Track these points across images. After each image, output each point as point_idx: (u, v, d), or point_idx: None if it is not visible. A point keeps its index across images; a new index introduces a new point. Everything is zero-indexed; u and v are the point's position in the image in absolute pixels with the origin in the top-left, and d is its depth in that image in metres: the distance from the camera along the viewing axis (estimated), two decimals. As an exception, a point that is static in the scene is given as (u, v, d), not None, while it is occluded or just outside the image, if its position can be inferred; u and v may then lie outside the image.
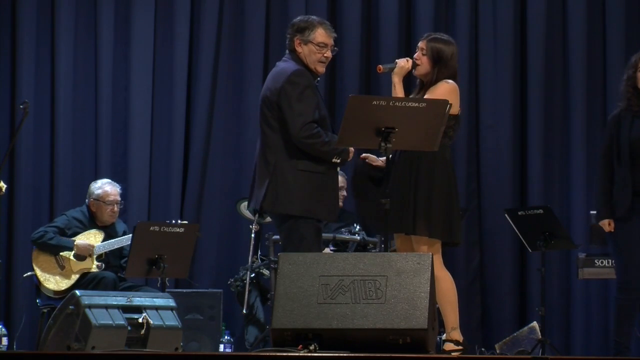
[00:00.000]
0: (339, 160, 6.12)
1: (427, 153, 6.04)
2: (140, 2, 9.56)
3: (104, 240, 8.08)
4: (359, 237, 8.46)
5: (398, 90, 6.13)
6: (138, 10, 9.55)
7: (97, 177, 9.07)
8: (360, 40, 9.56)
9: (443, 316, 6.12)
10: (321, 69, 6.23)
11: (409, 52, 9.44)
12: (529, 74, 9.47)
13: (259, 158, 6.18)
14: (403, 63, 6.16)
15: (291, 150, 6.07)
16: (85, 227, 8.12)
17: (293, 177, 6.05)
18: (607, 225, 6.69)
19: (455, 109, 6.10)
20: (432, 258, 5.33)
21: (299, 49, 6.18)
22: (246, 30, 9.60)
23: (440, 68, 6.16)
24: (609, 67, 9.40)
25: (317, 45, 6.17)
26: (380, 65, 6.20)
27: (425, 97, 6.10)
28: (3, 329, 8.26)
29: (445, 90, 6.11)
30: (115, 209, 8.22)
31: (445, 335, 6.15)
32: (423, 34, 9.18)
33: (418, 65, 6.20)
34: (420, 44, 6.24)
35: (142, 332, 6.39)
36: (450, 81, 6.16)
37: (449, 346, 6.08)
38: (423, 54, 6.20)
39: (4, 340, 8.22)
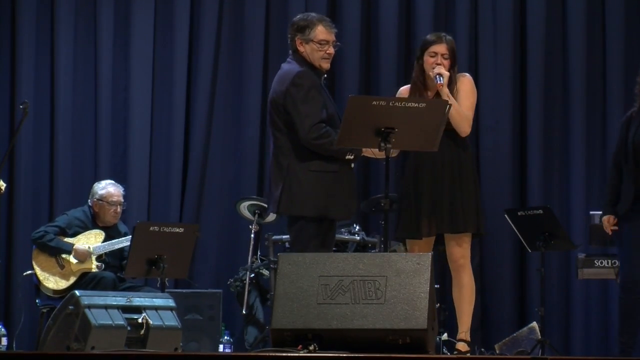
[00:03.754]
0: (352, 157, 6.09)
1: (464, 151, 6.20)
2: (140, 2, 9.56)
3: (104, 241, 8.07)
4: (358, 238, 8.47)
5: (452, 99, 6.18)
6: (138, 10, 9.56)
7: (96, 177, 9.07)
8: (360, 40, 9.56)
9: (466, 316, 6.20)
10: (326, 65, 6.19)
11: (408, 52, 9.48)
12: (528, 74, 9.47)
13: (273, 161, 6.15)
14: (445, 72, 6.15)
15: (302, 152, 6.04)
16: (86, 227, 8.12)
17: (306, 178, 6.02)
18: (607, 221, 6.68)
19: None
20: (431, 258, 5.33)
21: (301, 49, 6.15)
22: (246, 30, 9.60)
23: (455, 64, 6.27)
24: (609, 68, 9.40)
25: (319, 43, 6.13)
26: (440, 83, 6.12)
27: (460, 96, 6.19)
28: (3, 329, 8.25)
29: (472, 84, 6.31)
30: (118, 210, 8.21)
31: (460, 335, 6.23)
32: (423, 33, 9.22)
33: None
34: (439, 49, 6.21)
35: (142, 332, 6.38)
36: (466, 74, 6.33)
37: (463, 346, 6.16)
38: (445, 58, 6.21)
39: (4, 340, 8.22)
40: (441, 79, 6.11)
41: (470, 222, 6.20)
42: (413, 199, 6.22)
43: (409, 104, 5.82)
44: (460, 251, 6.21)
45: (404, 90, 6.36)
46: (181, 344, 6.72)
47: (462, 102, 6.20)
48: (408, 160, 6.37)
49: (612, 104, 9.30)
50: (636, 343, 6.76)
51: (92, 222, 8.17)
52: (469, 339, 6.22)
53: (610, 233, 6.73)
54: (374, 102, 5.80)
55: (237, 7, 9.65)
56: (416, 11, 9.56)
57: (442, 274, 8.47)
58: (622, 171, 6.70)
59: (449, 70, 6.17)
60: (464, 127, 6.18)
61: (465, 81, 6.29)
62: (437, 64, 6.17)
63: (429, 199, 6.17)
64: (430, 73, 6.18)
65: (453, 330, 6.43)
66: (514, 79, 9.45)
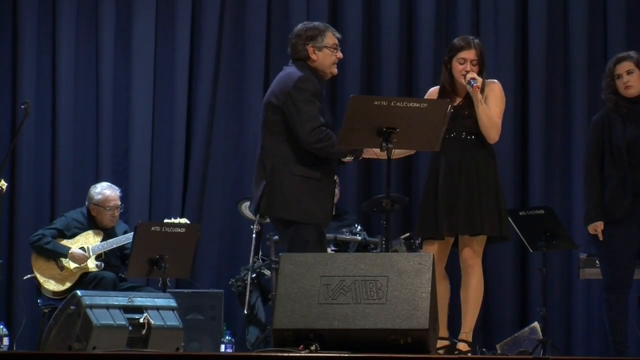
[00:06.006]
0: (352, 158, 6.12)
1: (487, 154, 6.18)
2: (141, 2, 9.56)
3: (103, 240, 8.07)
4: (359, 238, 8.47)
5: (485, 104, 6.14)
6: (139, 11, 9.56)
7: (98, 177, 9.08)
8: (361, 40, 9.56)
9: (470, 317, 6.20)
10: (335, 70, 6.25)
11: (409, 53, 9.48)
12: (529, 73, 9.47)
13: (257, 161, 6.18)
14: (479, 77, 6.10)
15: (288, 154, 6.05)
16: (84, 228, 8.12)
17: (288, 181, 6.03)
18: (598, 227, 6.64)
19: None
20: (433, 258, 5.33)
21: (314, 57, 6.14)
22: (247, 31, 9.60)
23: (484, 68, 6.22)
24: (610, 67, 9.39)
25: (331, 48, 6.16)
26: (477, 85, 6.06)
27: (489, 103, 6.14)
28: (4, 329, 8.26)
29: (502, 91, 6.25)
30: (116, 213, 8.21)
31: (462, 335, 6.22)
32: (424, 34, 9.26)
33: None
34: (468, 55, 6.16)
35: (143, 332, 6.38)
36: (495, 80, 6.26)
37: (463, 346, 6.15)
38: (474, 65, 6.16)
39: (5, 341, 8.23)
40: (475, 81, 6.04)
41: (487, 225, 6.16)
42: (433, 200, 6.21)
43: (410, 104, 5.82)
44: (471, 252, 6.19)
45: (434, 91, 6.33)
46: (182, 344, 6.72)
47: (492, 109, 6.17)
48: (431, 161, 6.35)
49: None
50: (628, 341, 6.75)
51: (90, 223, 8.17)
52: (470, 339, 6.20)
53: (601, 239, 6.68)
54: (376, 102, 5.80)
55: (238, 7, 9.65)
56: (417, 11, 9.55)
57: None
58: (605, 175, 6.65)
59: (479, 75, 6.12)
60: (493, 133, 6.17)
61: (495, 88, 6.23)
62: (466, 71, 6.13)
63: (447, 200, 6.15)
64: (462, 80, 6.12)
65: (456, 330, 6.42)
66: (514, 79, 9.44)
